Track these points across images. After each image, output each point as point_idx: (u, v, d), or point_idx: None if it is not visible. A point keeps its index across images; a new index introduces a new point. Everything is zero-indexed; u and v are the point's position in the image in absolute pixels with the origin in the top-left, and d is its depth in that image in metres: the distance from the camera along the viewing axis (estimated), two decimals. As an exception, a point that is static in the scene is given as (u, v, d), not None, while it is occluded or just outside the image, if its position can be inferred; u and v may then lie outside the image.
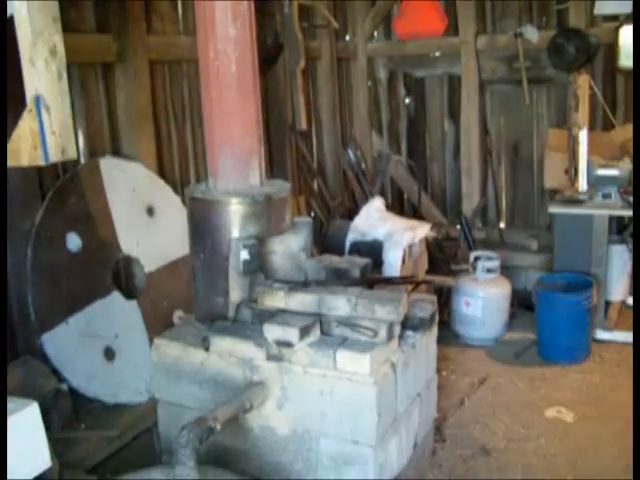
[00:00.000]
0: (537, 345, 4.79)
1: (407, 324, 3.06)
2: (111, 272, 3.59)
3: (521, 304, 5.32)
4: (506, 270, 5.23)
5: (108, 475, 3.25)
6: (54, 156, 2.40)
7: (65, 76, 2.46)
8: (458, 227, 6.05)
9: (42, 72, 2.38)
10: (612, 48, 5.39)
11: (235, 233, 2.98)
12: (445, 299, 5.18)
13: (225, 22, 2.92)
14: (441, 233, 5.93)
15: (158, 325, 3.66)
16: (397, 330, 2.89)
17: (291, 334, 2.75)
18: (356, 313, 2.84)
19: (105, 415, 3.41)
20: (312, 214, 5.84)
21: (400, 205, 6.94)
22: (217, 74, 2.99)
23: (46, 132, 2.35)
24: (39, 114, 2.33)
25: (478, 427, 3.91)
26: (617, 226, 4.99)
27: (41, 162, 2.41)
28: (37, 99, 2.34)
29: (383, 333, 2.78)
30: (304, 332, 2.76)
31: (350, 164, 6.37)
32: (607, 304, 5.03)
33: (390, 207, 5.66)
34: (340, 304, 2.86)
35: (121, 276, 3.77)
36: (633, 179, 4.47)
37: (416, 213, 6.63)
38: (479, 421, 3.96)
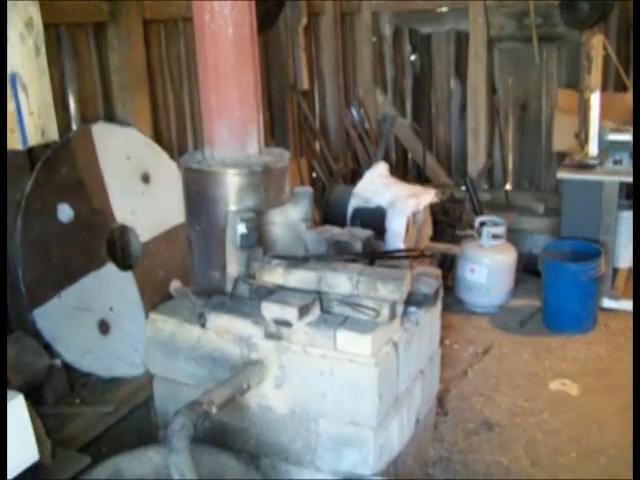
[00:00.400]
0: (542, 313, 4.71)
1: (410, 300, 2.93)
2: (105, 243, 3.46)
3: (526, 268, 5.23)
4: (512, 233, 5.14)
5: (104, 450, 3.20)
6: (33, 139, 2.23)
7: (44, 51, 2.25)
8: (463, 189, 5.91)
9: (17, 47, 2.18)
10: (627, 5, 5.18)
11: (232, 206, 2.87)
12: (449, 264, 5.09)
13: (221, -18, 2.75)
14: (446, 195, 5.80)
15: (154, 296, 3.57)
16: (400, 309, 2.80)
17: (290, 313, 2.65)
18: (357, 291, 2.74)
19: (101, 389, 3.34)
20: (314, 175, 5.70)
21: (404, 165, 6.80)
22: (213, 38, 2.83)
23: (24, 113, 2.17)
24: (15, 94, 2.15)
25: (481, 400, 3.85)
26: (627, 191, 4.85)
27: (19, 146, 2.24)
28: (12, 77, 2.16)
29: (385, 312, 2.68)
30: (303, 311, 2.66)
31: (353, 123, 6.22)
32: (615, 271, 4.94)
33: (394, 168, 5.53)
34: (341, 282, 2.76)
35: (116, 246, 3.66)
36: (633, 148, 4.33)
37: (421, 174, 6.50)
38: (482, 393, 3.91)
